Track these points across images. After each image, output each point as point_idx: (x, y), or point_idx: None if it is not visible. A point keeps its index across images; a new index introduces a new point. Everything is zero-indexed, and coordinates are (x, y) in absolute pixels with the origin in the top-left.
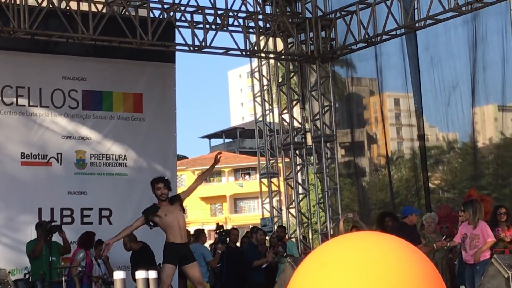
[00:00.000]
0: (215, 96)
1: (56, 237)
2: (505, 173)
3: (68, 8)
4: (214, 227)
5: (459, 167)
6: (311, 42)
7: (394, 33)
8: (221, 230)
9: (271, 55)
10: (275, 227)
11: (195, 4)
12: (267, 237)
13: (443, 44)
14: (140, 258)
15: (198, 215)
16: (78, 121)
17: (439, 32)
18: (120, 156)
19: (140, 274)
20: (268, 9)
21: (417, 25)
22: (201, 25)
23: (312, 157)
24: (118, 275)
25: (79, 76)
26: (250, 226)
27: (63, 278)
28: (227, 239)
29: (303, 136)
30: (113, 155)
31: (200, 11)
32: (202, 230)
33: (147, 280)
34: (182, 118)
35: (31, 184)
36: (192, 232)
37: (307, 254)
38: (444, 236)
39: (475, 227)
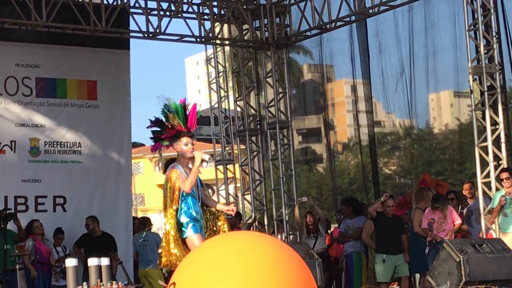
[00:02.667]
0: (173, 83)
1: (11, 225)
2: (461, 158)
3: None
4: None
5: (415, 153)
6: (265, 29)
7: (347, 19)
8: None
9: (226, 42)
10: None
11: None
12: None
13: (392, 30)
14: (101, 245)
15: (155, 203)
16: (32, 109)
17: (387, 18)
18: (75, 143)
19: (92, 261)
20: None
21: (370, 11)
22: (155, 12)
23: (268, 143)
24: (70, 262)
25: (33, 63)
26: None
27: (17, 266)
28: None
29: (258, 122)
30: (67, 142)
31: None
32: (148, 217)
33: (99, 267)
34: (139, 105)
35: None
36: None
37: None
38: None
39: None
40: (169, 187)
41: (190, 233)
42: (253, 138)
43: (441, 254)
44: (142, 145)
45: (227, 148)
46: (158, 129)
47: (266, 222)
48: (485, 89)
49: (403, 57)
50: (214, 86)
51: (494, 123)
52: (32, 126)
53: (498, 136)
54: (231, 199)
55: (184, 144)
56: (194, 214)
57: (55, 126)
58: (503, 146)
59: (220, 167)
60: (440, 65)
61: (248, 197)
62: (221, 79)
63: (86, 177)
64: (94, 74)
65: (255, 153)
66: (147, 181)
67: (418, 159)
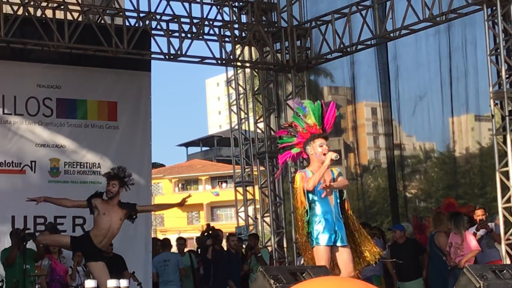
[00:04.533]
0: (193, 104)
1: (31, 245)
2: (482, 182)
3: (43, 16)
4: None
5: (435, 176)
6: (286, 51)
7: (369, 43)
8: (209, 231)
9: (247, 64)
10: None
11: (171, 13)
12: (243, 245)
13: (412, 53)
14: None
15: (175, 223)
16: (53, 129)
17: (408, 42)
18: (94, 164)
19: (111, 283)
20: (243, 18)
21: (392, 35)
22: (176, 34)
23: (287, 166)
24: (89, 284)
25: (54, 84)
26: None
27: (37, 286)
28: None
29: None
30: (87, 163)
31: (175, 20)
32: (168, 239)
33: None
34: (159, 126)
35: (5, 192)
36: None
37: (281, 263)
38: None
39: (461, 239)
40: (294, 190)
41: (316, 243)
42: (273, 160)
43: (461, 280)
44: (162, 165)
45: (247, 170)
46: (287, 138)
47: (285, 245)
48: (507, 114)
49: (423, 81)
50: (234, 108)
51: None
52: (52, 146)
53: None
54: (250, 221)
55: (319, 145)
56: (322, 217)
57: (75, 147)
58: None
59: (240, 189)
60: (460, 89)
61: (267, 219)
62: (241, 101)
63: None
64: (114, 95)
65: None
66: (166, 201)
67: (438, 182)
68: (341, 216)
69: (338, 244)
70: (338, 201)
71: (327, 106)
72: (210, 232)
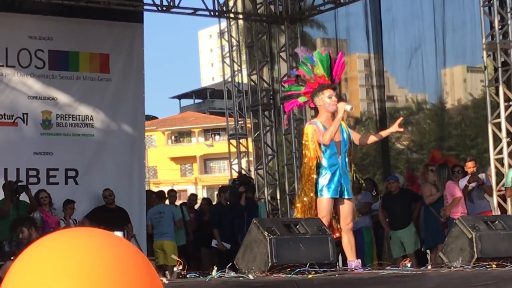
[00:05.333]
0: (186, 56)
1: (23, 197)
2: (473, 134)
3: None
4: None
5: (427, 128)
6: (279, 3)
7: None
8: (241, 179)
9: (240, 16)
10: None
11: None
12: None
13: (407, 4)
14: (114, 218)
15: (169, 176)
16: (45, 82)
17: None
18: (87, 116)
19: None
20: None
21: None
22: None
23: (281, 118)
24: None
25: (46, 35)
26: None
27: None
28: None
29: (271, 97)
30: (79, 115)
31: None
32: (163, 191)
33: None
34: (152, 78)
35: None
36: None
37: (274, 215)
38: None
39: (442, 190)
40: (304, 143)
41: (320, 195)
42: (266, 113)
43: (453, 231)
44: (155, 118)
45: (240, 122)
46: (296, 85)
47: (278, 197)
48: (499, 65)
49: (417, 32)
50: (227, 60)
51: (508, 99)
52: (44, 99)
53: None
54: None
55: (327, 96)
56: (328, 170)
57: (67, 99)
58: None
59: (233, 141)
60: (453, 41)
61: (260, 171)
62: (234, 53)
63: (98, 150)
64: (107, 47)
65: (268, 127)
66: (160, 154)
67: (430, 134)
68: (348, 169)
69: (344, 196)
70: (346, 154)
71: (335, 57)
72: (242, 179)
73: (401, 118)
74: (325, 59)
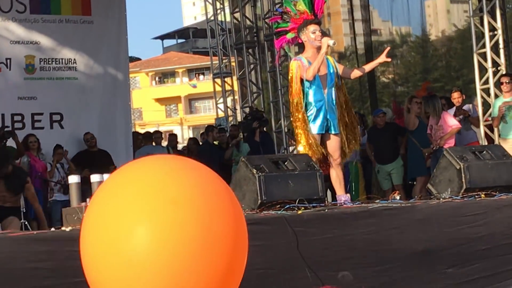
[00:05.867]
0: None
1: (10, 142)
2: (458, 64)
3: None
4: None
5: (412, 61)
6: None
7: None
8: (254, 114)
9: None
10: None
11: None
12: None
13: None
14: (98, 161)
15: (154, 117)
16: (27, 26)
17: None
18: (70, 60)
19: (95, 178)
20: None
21: None
22: None
23: (265, 55)
24: (73, 179)
25: None
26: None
27: None
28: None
29: (255, 34)
30: (62, 59)
31: None
32: (150, 132)
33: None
34: (134, 19)
35: None
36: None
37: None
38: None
39: (438, 121)
40: (289, 79)
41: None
42: (250, 50)
43: (441, 162)
44: (138, 59)
45: (224, 61)
46: (282, 22)
47: None
48: None
49: None
50: None
51: (493, 29)
52: (27, 43)
53: (497, 42)
54: (230, 112)
55: (311, 32)
56: (314, 105)
57: (50, 43)
58: (501, 52)
59: (218, 80)
60: None
61: (246, 109)
62: None
63: (82, 94)
64: None
65: (253, 65)
66: (144, 95)
67: (415, 66)
68: (334, 104)
69: (331, 132)
70: (333, 89)
71: None
72: (254, 114)
73: (388, 48)
74: None
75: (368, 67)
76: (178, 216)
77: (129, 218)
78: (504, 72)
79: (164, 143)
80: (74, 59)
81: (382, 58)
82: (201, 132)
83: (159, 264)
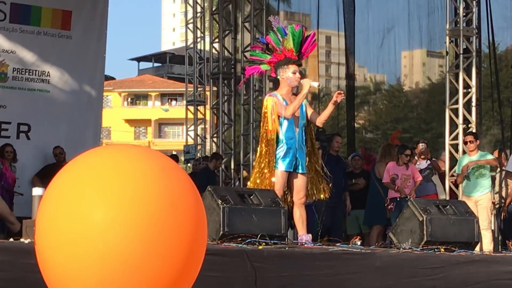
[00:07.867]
0: (148, 19)
1: None
2: (429, 118)
3: None
4: None
5: (384, 109)
6: None
7: None
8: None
9: None
10: (198, 155)
11: None
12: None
13: None
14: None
15: (122, 137)
16: (4, 34)
17: None
18: (44, 72)
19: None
20: None
21: None
22: None
23: (240, 88)
24: (37, 191)
25: None
26: (173, 152)
27: None
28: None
29: (232, 66)
30: (36, 70)
31: None
32: None
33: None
34: (112, 38)
35: None
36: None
37: (227, 184)
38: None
39: (407, 168)
40: (263, 114)
41: (275, 167)
42: (226, 82)
43: (404, 212)
44: (113, 78)
45: (199, 89)
46: (262, 52)
47: (232, 166)
48: (461, 52)
49: (385, 14)
50: (191, 26)
51: (467, 86)
52: (2, 51)
53: (470, 100)
54: (199, 140)
55: (292, 72)
56: (285, 143)
57: (26, 54)
58: (473, 110)
59: (191, 108)
60: (416, 25)
61: (216, 139)
62: (198, 20)
63: (53, 107)
64: (70, 3)
65: (227, 96)
66: (115, 115)
67: (386, 115)
68: (304, 144)
69: (298, 171)
70: (304, 128)
71: (308, 35)
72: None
73: (341, 91)
74: (297, 34)
75: (327, 112)
76: (136, 197)
77: (86, 202)
78: (474, 130)
79: None
80: (48, 72)
81: (333, 99)
82: (205, 155)
83: (117, 249)
